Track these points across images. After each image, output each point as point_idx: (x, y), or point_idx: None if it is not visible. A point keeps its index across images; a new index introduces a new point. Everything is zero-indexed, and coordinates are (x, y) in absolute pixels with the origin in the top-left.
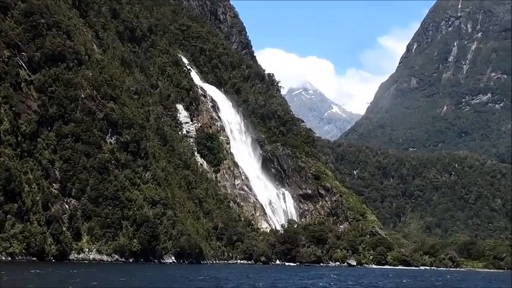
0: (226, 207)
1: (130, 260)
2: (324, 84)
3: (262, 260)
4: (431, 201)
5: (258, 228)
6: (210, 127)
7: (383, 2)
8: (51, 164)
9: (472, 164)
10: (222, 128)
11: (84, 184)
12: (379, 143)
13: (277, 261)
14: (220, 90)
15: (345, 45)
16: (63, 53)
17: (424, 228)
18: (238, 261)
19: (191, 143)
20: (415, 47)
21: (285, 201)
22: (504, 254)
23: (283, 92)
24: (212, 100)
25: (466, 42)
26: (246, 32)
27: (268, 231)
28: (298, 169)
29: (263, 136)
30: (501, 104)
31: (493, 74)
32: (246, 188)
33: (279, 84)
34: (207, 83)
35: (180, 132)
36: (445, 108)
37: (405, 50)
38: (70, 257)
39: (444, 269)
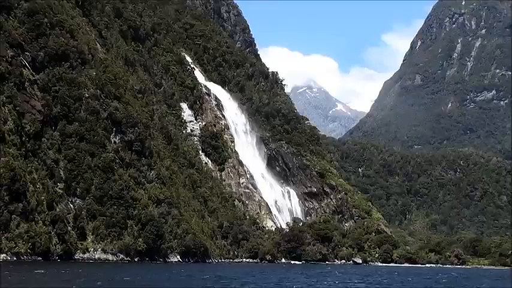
0: (231, 206)
1: (136, 259)
2: (328, 82)
3: (267, 258)
4: (436, 199)
5: (263, 226)
6: (215, 126)
7: None
8: (55, 164)
9: (477, 161)
10: (227, 127)
11: (89, 183)
12: (384, 140)
13: (283, 260)
14: (224, 89)
15: (348, 42)
16: (66, 53)
17: (429, 225)
18: (244, 259)
19: (195, 142)
20: (419, 44)
21: (290, 200)
22: (510, 251)
23: (287, 90)
24: (216, 99)
25: (470, 39)
26: (250, 30)
27: (274, 229)
28: (303, 167)
29: (267, 134)
30: (506, 101)
31: (497, 70)
32: (250, 187)
33: (283, 82)
34: (211, 81)
35: (184, 131)
36: (449, 105)
37: (409, 47)
38: (75, 257)
39: (450, 266)
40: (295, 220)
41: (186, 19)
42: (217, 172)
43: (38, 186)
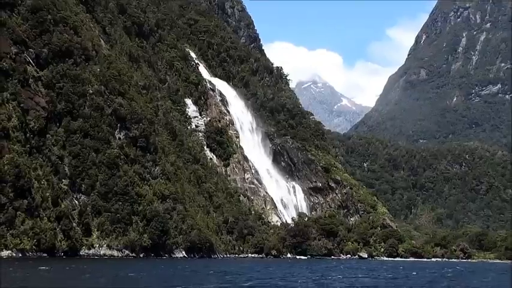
0: (236, 201)
1: (141, 255)
2: (333, 77)
3: (273, 253)
4: (442, 193)
5: (268, 221)
6: (219, 121)
7: None
8: (60, 160)
9: (482, 154)
10: (231, 122)
11: (94, 180)
12: (389, 135)
13: (288, 255)
14: (229, 84)
15: (353, 37)
16: (70, 49)
17: (435, 219)
18: (249, 255)
19: (200, 138)
20: (423, 38)
21: (295, 195)
22: None
23: (292, 85)
24: (221, 94)
25: (475, 33)
26: (254, 26)
27: (279, 224)
28: (308, 162)
29: (272, 129)
30: (511, 95)
31: (502, 64)
32: (256, 182)
33: (288, 77)
34: (216, 77)
35: (189, 127)
36: (454, 99)
37: (414, 41)
38: (80, 253)
39: (456, 260)
40: (300, 215)
41: (190, 15)
42: (222, 167)
43: (42, 182)
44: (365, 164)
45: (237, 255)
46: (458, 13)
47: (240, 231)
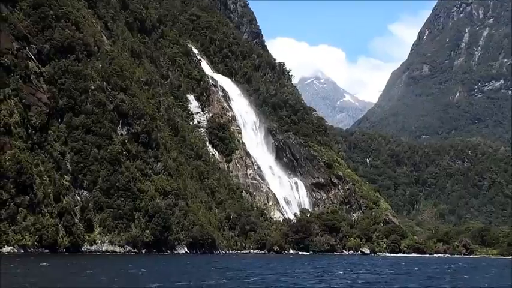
0: (238, 197)
1: (143, 251)
2: (336, 73)
3: (275, 249)
4: (444, 189)
5: (270, 217)
6: (222, 117)
7: None
8: (62, 156)
9: (485, 150)
10: (234, 118)
11: (96, 176)
12: (391, 130)
13: (291, 251)
14: (231, 80)
15: (356, 33)
16: (72, 45)
17: (437, 215)
18: (251, 251)
19: (202, 133)
20: (426, 34)
21: (297, 190)
22: None
23: (294, 81)
24: (223, 90)
25: (477, 28)
26: (257, 22)
27: (281, 220)
28: (311, 158)
29: (275, 125)
30: None
31: (505, 60)
32: (258, 178)
33: (290, 73)
34: (218, 72)
35: (191, 123)
36: (457, 95)
37: (417, 37)
38: (82, 249)
39: (458, 256)
40: (302, 211)
41: (192, 10)
42: (225, 163)
43: (44, 178)
44: (367, 160)
45: (239, 251)
46: (461, 9)
47: (242, 227)
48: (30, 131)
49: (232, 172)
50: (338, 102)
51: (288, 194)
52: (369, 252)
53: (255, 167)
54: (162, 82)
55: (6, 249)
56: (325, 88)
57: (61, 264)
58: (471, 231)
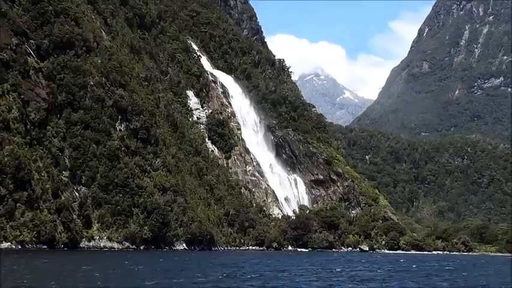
0: (237, 194)
1: (141, 248)
2: (336, 70)
3: (274, 246)
4: (444, 186)
5: (269, 214)
6: (221, 113)
7: None
8: (60, 152)
9: (484, 148)
10: (233, 114)
11: (94, 171)
12: (391, 127)
13: (289, 247)
14: (231, 76)
15: (355, 29)
16: (71, 40)
17: (436, 212)
18: (250, 247)
19: (202, 130)
20: (426, 31)
21: (296, 187)
22: None
23: (294, 78)
24: (222, 86)
25: (477, 25)
26: (257, 18)
27: (280, 217)
28: (310, 154)
29: (274, 122)
30: None
31: (505, 57)
32: (257, 174)
33: (290, 70)
34: (217, 69)
35: (190, 119)
36: (457, 92)
37: (416, 34)
38: (81, 245)
39: (457, 253)
40: (301, 207)
41: (192, 6)
42: (224, 160)
43: (43, 174)
44: (367, 157)
45: (237, 247)
46: (461, 6)
47: (241, 224)
48: (28, 126)
49: (231, 168)
50: (338, 99)
51: (287, 191)
52: (367, 249)
53: (254, 163)
54: (161, 78)
55: (4, 245)
56: (325, 85)
57: (58, 260)
58: (470, 228)
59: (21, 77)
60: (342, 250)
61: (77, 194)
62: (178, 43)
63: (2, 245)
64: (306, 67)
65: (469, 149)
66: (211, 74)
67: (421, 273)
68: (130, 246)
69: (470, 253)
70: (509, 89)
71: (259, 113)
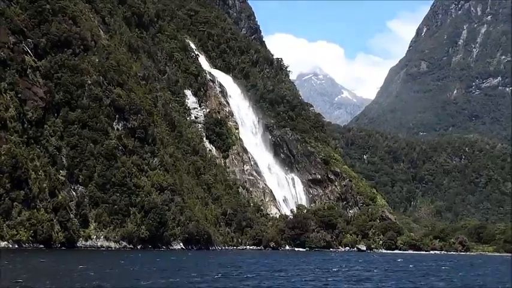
0: (235, 193)
1: (139, 247)
2: (334, 69)
3: (271, 245)
4: (441, 186)
5: (267, 213)
6: (219, 112)
7: None
8: (58, 151)
9: (482, 147)
10: (231, 114)
11: (92, 171)
12: (389, 127)
13: (287, 247)
14: (229, 76)
15: (354, 29)
16: (69, 39)
17: (434, 212)
18: (248, 247)
19: (199, 129)
20: (424, 30)
21: (294, 187)
22: None
23: (293, 77)
24: (220, 85)
25: (475, 25)
26: (255, 17)
27: (278, 216)
28: (308, 154)
29: (272, 121)
30: (511, 87)
31: (503, 57)
32: (255, 174)
33: (288, 69)
34: (215, 68)
35: (188, 118)
36: (455, 92)
37: (415, 33)
38: (78, 244)
39: (454, 253)
40: (299, 207)
41: (190, 5)
42: (221, 159)
43: (40, 173)
44: (365, 156)
45: (235, 247)
46: (459, 5)
47: (238, 223)
48: (26, 125)
49: (229, 168)
50: (336, 99)
51: (285, 190)
52: (365, 248)
53: (252, 162)
54: (159, 77)
55: (1, 244)
56: (323, 84)
57: (55, 259)
58: (467, 228)
59: (19, 76)
60: (339, 250)
61: (74, 193)
62: (176, 42)
63: None
64: (304, 66)
65: (466, 148)
66: (209, 73)
67: (418, 273)
68: (128, 246)
69: (468, 253)
70: (507, 89)
71: (257, 113)
